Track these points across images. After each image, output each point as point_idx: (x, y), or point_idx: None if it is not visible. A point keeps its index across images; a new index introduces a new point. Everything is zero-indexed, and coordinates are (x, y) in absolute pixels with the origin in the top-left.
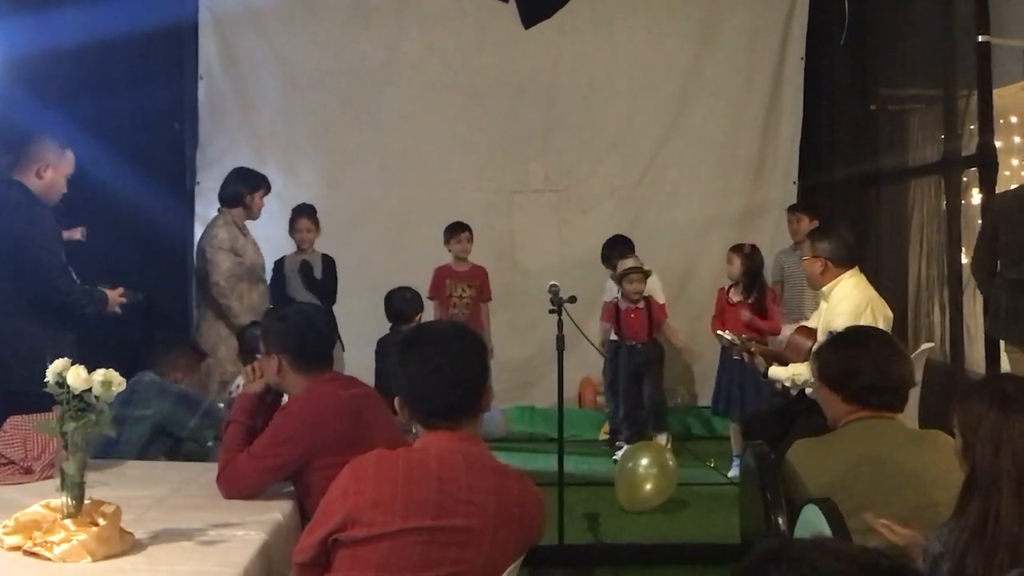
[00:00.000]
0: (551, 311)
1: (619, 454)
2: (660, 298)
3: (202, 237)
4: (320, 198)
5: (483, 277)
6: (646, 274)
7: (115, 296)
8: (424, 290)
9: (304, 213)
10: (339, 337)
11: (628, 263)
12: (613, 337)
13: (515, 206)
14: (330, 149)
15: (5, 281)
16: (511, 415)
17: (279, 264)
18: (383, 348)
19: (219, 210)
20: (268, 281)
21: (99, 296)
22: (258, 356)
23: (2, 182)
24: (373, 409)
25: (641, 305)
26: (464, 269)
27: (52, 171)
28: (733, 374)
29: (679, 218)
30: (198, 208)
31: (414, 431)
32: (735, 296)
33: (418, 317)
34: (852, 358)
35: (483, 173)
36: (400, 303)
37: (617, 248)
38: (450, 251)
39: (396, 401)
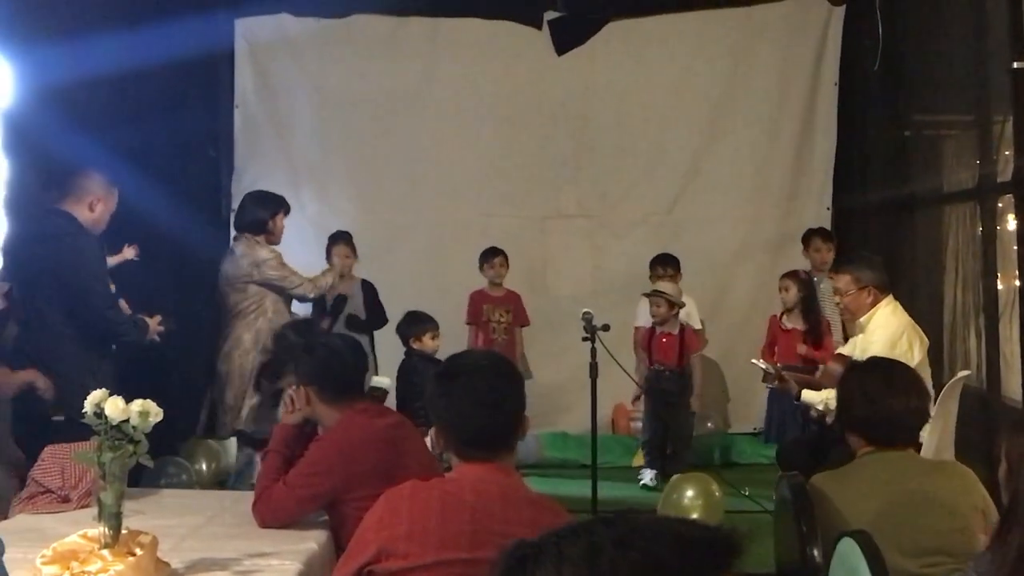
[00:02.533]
0: (584, 338)
1: (645, 479)
2: (696, 324)
3: (228, 264)
4: (354, 224)
5: (518, 302)
6: (674, 304)
7: (154, 324)
8: (460, 315)
9: (341, 239)
10: (375, 364)
11: (660, 285)
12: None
13: (547, 232)
14: (364, 175)
15: (53, 308)
16: (544, 441)
17: None
18: (403, 374)
19: (238, 237)
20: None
21: (142, 324)
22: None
23: (52, 211)
24: (406, 438)
25: (675, 331)
26: (499, 294)
27: (102, 205)
28: (784, 402)
29: (712, 244)
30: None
31: (445, 458)
32: (789, 324)
33: (429, 336)
34: (845, 389)
35: (515, 198)
36: (402, 327)
37: (656, 267)
38: (485, 276)
39: (432, 431)
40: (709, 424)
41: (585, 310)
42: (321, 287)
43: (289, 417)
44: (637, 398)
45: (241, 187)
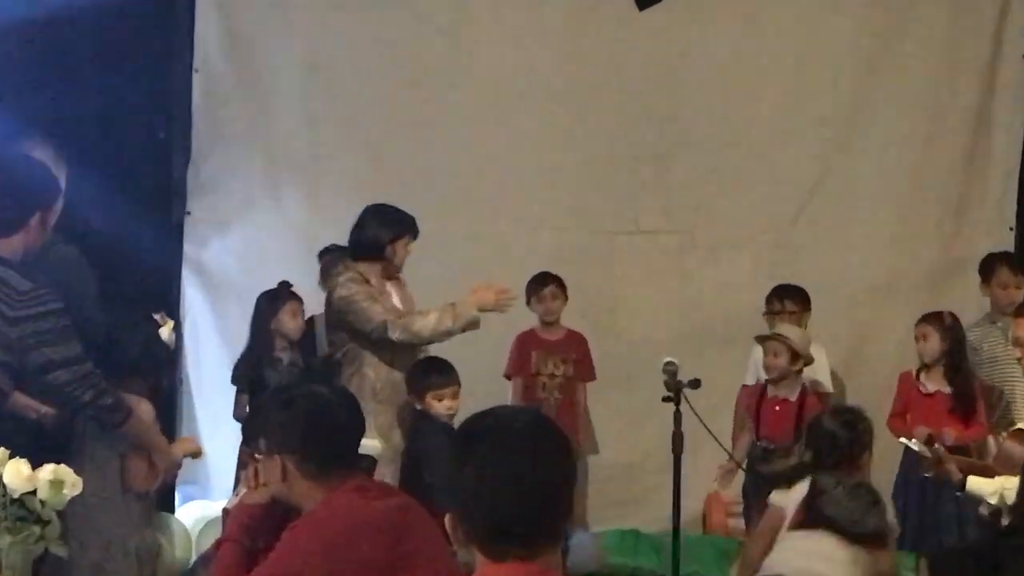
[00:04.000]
0: (666, 398)
1: None
2: (826, 386)
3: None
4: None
5: (582, 347)
6: (798, 355)
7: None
8: (497, 365)
9: (337, 257)
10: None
11: (782, 328)
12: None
13: (619, 252)
14: (369, 170)
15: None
16: (607, 542)
17: (307, 323)
18: (414, 434)
19: (341, 264)
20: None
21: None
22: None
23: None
24: (413, 528)
25: (792, 396)
26: (555, 337)
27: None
28: (922, 494)
29: (847, 274)
30: (188, 248)
31: (463, 557)
32: (929, 384)
33: (449, 395)
34: None
35: (575, 207)
36: (413, 379)
37: (775, 302)
38: (533, 312)
39: (448, 518)
40: None
41: (668, 359)
42: (423, 330)
43: (252, 495)
44: (727, 475)
45: (200, 180)
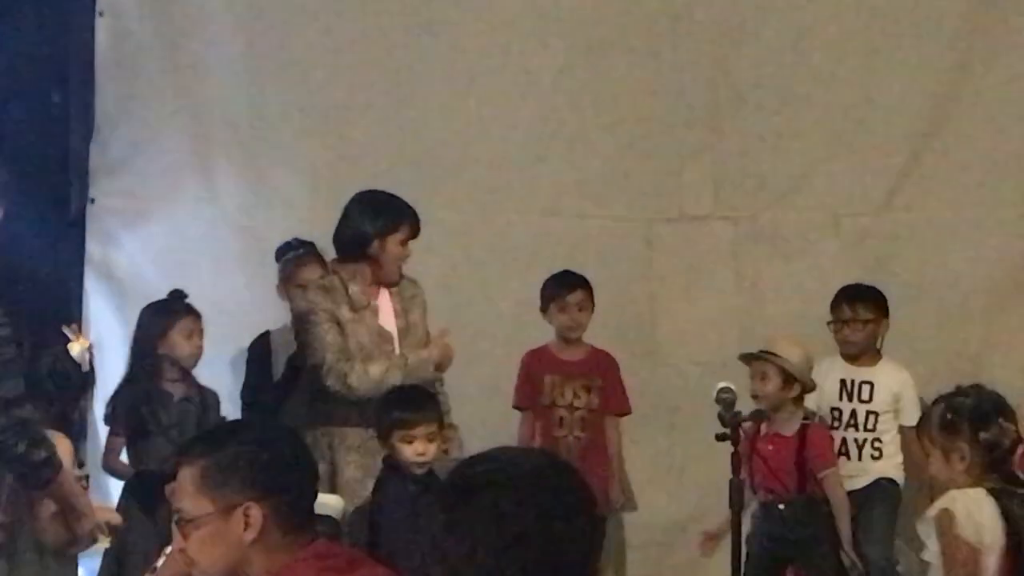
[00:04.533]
0: (720, 436)
1: None
2: (908, 415)
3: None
4: (309, 228)
5: (610, 371)
6: (792, 379)
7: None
8: (502, 393)
9: (308, 255)
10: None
11: (780, 346)
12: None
13: (659, 244)
14: (327, 144)
15: None
16: None
17: (260, 341)
18: (383, 495)
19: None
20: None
21: None
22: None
23: None
24: None
25: (789, 432)
26: (576, 357)
27: None
28: None
29: (957, 268)
30: (92, 246)
31: None
32: None
33: (422, 436)
34: None
35: (605, 188)
36: (379, 416)
37: (842, 307)
38: (551, 324)
39: None
40: None
41: (723, 385)
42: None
43: (174, 564)
44: (708, 543)
45: (106, 158)
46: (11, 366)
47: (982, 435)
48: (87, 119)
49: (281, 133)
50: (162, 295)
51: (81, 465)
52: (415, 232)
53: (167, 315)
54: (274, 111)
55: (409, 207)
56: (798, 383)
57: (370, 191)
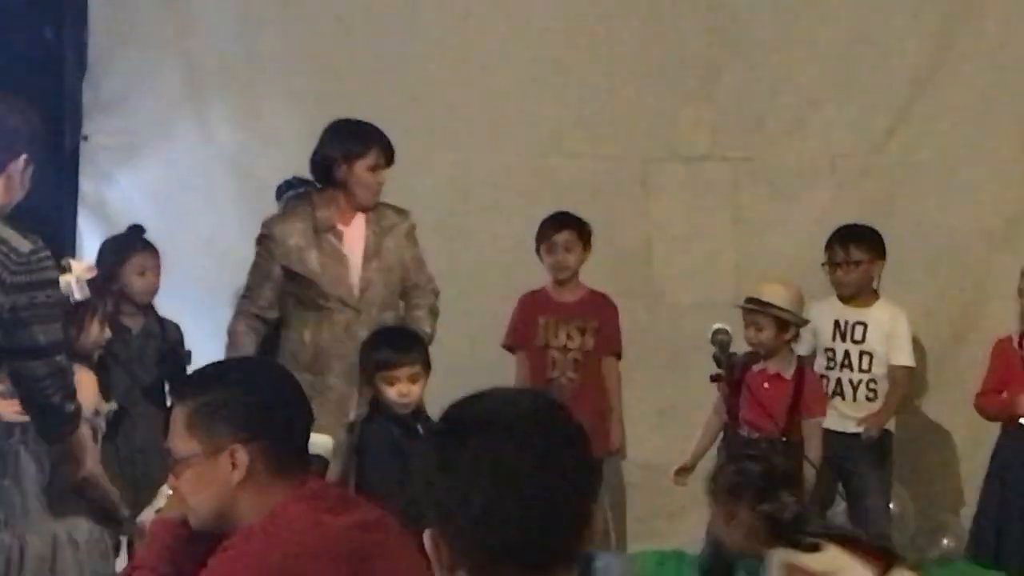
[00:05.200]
0: (715, 377)
1: None
2: (905, 360)
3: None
4: (305, 164)
5: (605, 312)
6: (787, 324)
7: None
8: (493, 334)
9: (300, 196)
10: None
11: (767, 291)
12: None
13: (654, 185)
14: (322, 80)
15: None
16: (643, 566)
17: None
18: (367, 436)
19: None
20: None
21: None
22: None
23: None
24: (387, 548)
25: (787, 373)
26: (572, 298)
27: None
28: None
29: (954, 213)
30: (85, 183)
31: None
32: None
33: (406, 376)
34: None
35: (598, 128)
36: (366, 357)
37: (835, 249)
38: (544, 264)
39: (428, 535)
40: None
41: (718, 327)
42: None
43: (175, 506)
44: (681, 475)
45: (99, 97)
46: (57, 309)
47: (761, 507)
48: (81, 56)
49: (276, 71)
50: (155, 233)
51: (108, 399)
52: (387, 159)
53: (122, 250)
54: (268, 48)
55: (380, 133)
56: (793, 326)
57: (344, 119)
